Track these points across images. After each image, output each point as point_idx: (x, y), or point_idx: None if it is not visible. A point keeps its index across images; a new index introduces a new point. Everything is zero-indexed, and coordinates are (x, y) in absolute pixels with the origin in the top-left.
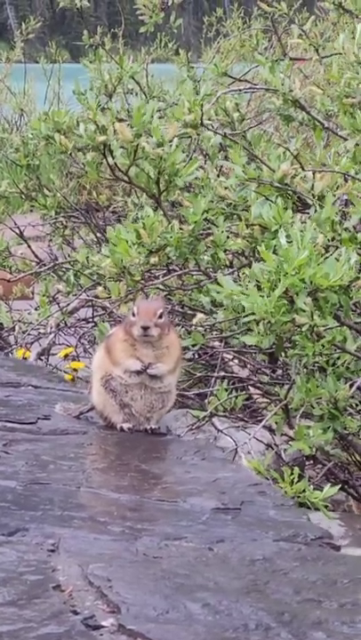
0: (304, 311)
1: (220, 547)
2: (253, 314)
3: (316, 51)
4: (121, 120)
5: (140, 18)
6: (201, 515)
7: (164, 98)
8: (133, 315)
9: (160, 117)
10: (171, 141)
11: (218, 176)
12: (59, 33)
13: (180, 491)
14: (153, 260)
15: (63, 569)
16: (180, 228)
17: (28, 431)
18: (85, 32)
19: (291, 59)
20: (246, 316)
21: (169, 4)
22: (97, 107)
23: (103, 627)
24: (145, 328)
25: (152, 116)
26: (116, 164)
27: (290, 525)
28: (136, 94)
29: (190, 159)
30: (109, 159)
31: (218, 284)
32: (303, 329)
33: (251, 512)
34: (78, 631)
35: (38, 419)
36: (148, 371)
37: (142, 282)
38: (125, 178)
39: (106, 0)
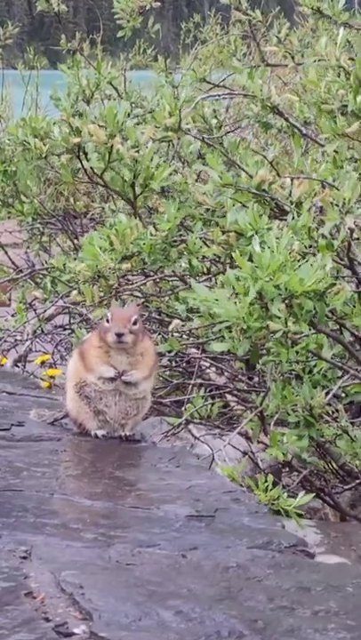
0: (278, 317)
1: (194, 554)
2: (226, 320)
3: (293, 58)
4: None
5: (119, 22)
6: (175, 522)
7: (142, 104)
8: (107, 321)
9: (138, 124)
10: (146, 144)
11: (196, 181)
12: (37, 39)
13: (154, 498)
14: (125, 266)
15: (35, 576)
16: (154, 234)
17: (1, 437)
18: (63, 37)
19: (268, 65)
20: (220, 322)
21: (147, 9)
22: (72, 110)
23: (75, 634)
24: (119, 335)
25: (126, 117)
26: (91, 167)
27: (264, 533)
28: (114, 100)
29: (166, 163)
30: (84, 162)
31: (192, 290)
32: (277, 335)
33: (225, 519)
34: (50, 638)
35: (12, 425)
36: (122, 378)
37: (117, 287)
38: (101, 181)
39: (85, 6)
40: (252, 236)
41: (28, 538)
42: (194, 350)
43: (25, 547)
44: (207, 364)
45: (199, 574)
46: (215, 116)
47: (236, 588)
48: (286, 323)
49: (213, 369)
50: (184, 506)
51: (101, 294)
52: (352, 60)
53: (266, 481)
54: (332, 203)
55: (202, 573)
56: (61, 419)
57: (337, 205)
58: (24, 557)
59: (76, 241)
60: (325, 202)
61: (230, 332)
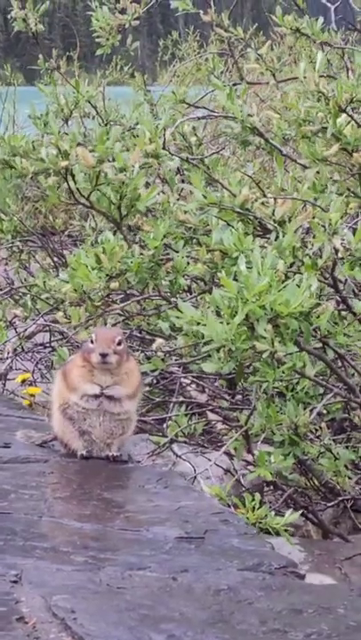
0: (264, 338)
1: (185, 576)
2: (213, 341)
3: (273, 75)
4: (80, 145)
5: (97, 40)
6: (164, 544)
7: (121, 122)
8: (92, 342)
9: (117, 141)
10: (133, 167)
11: (177, 199)
12: (12, 55)
13: (143, 519)
14: (113, 285)
15: (26, 600)
16: (141, 253)
17: None
18: (41, 56)
19: (248, 83)
20: (206, 343)
21: (126, 27)
22: (58, 132)
23: None
24: (103, 355)
25: (115, 143)
26: (77, 188)
27: (254, 554)
28: (93, 118)
29: (149, 184)
30: (71, 184)
31: (177, 309)
32: (264, 355)
33: (214, 541)
34: None
35: None
36: (104, 391)
37: (102, 307)
38: (87, 202)
39: (60, 23)
40: (238, 256)
41: (17, 561)
42: (175, 368)
43: (15, 570)
44: (188, 382)
45: (191, 597)
46: (195, 134)
47: (228, 610)
48: (273, 343)
49: (194, 386)
50: (173, 527)
51: (87, 314)
52: (332, 77)
53: (253, 500)
54: (318, 223)
55: (193, 596)
56: (50, 441)
57: (323, 227)
58: (14, 581)
59: (55, 258)
60: (314, 224)
61: (217, 352)
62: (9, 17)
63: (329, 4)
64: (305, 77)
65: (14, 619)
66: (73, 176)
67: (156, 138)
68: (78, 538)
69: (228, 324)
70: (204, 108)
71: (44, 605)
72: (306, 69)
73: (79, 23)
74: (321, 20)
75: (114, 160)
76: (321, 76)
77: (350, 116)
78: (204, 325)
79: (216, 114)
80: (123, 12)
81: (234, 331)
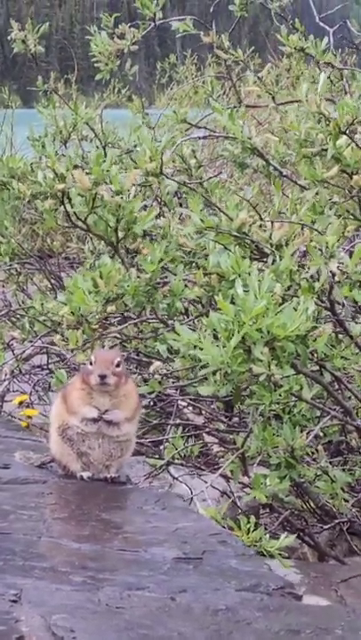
0: (261, 361)
1: (183, 597)
2: (209, 364)
3: (273, 98)
4: (76, 167)
5: (96, 65)
6: (163, 564)
7: (119, 144)
8: (91, 363)
9: (114, 163)
10: (129, 190)
11: (177, 224)
12: (10, 78)
13: (142, 540)
14: (110, 308)
15: (26, 620)
16: (138, 277)
17: None
18: (40, 78)
19: (248, 106)
20: (203, 366)
21: (124, 52)
22: (55, 154)
23: None
24: (102, 377)
25: (111, 165)
26: (74, 211)
27: (252, 575)
28: (90, 140)
29: (147, 207)
30: (67, 206)
31: (175, 332)
32: (260, 379)
33: (212, 562)
34: None
35: None
36: (103, 416)
37: (100, 330)
38: (83, 225)
39: (57, 45)
40: (235, 279)
41: (17, 581)
42: (172, 391)
43: (14, 590)
44: (185, 404)
45: (189, 617)
46: (194, 156)
47: (226, 631)
48: (269, 366)
49: (191, 408)
50: (171, 548)
51: (85, 337)
52: (331, 100)
53: (248, 522)
54: (315, 247)
55: (192, 616)
56: (49, 463)
57: (320, 250)
58: (14, 601)
59: (53, 280)
60: (310, 247)
61: (214, 374)
62: (9, 38)
63: (327, 28)
64: (307, 100)
65: (14, 638)
66: (69, 199)
67: (157, 157)
68: (77, 558)
69: (224, 346)
70: (205, 128)
71: (44, 625)
72: (307, 91)
73: (76, 46)
74: (326, 40)
75: (111, 182)
76: (323, 99)
77: (350, 137)
78: (201, 349)
79: (217, 134)
80: (121, 36)
81: (230, 353)
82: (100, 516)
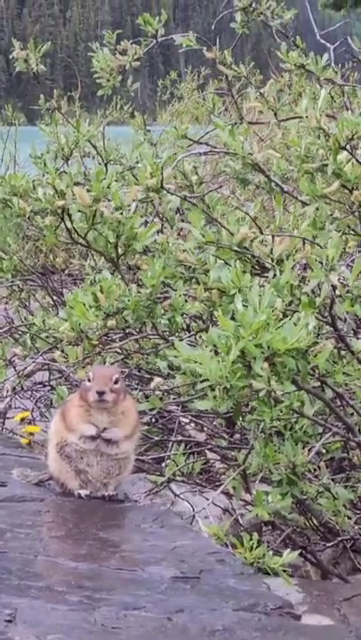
0: (261, 376)
1: (180, 617)
2: (208, 380)
3: (275, 114)
4: (78, 184)
5: (98, 81)
6: (160, 584)
7: (121, 161)
8: (89, 380)
9: (115, 180)
10: (129, 206)
11: (176, 239)
12: (14, 95)
13: (139, 559)
14: (110, 322)
15: None
16: (138, 292)
17: None
18: (42, 96)
19: (250, 123)
20: (203, 381)
21: (126, 68)
22: (55, 171)
23: None
24: (100, 393)
25: (111, 182)
26: (74, 227)
27: (250, 594)
28: (93, 158)
29: (148, 223)
30: (67, 223)
31: (175, 348)
32: (261, 394)
33: (210, 581)
34: None
35: None
36: (102, 435)
37: (100, 346)
38: (84, 242)
39: (62, 63)
40: (235, 294)
41: (12, 600)
42: (174, 407)
43: (9, 610)
44: (187, 420)
45: (186, 637)
46: (196, 172)
47: None
48: (269, 381)
49: (193, 425)
50: (169, 567)
51: (85, 353)
52: (332, 117)
53: (251, 539)
54: (315, 260)
55: (188, 637)
56: (46, 480)
57: (321, 263)
58: (9, 621)
59: (55, 297)
60: (311, 260)
61: (213, 390)
62: (11, 57)
63: (328, 45)
64: (307, 116)
65: None
66: (70, 215)
67: (157, 172)
68: (73, 577)
69: (223, 361)
70: (207, 144)
71: None
72: (308, 106)
73: (80, 63)
74: (326, 57)
75: (112, 199)
76: (323, 115)
77: (350, 153)
78: (200, 364)
79: (218, 150)
80: (123, 53)
81: (228, 368)
82: (98, 535)
